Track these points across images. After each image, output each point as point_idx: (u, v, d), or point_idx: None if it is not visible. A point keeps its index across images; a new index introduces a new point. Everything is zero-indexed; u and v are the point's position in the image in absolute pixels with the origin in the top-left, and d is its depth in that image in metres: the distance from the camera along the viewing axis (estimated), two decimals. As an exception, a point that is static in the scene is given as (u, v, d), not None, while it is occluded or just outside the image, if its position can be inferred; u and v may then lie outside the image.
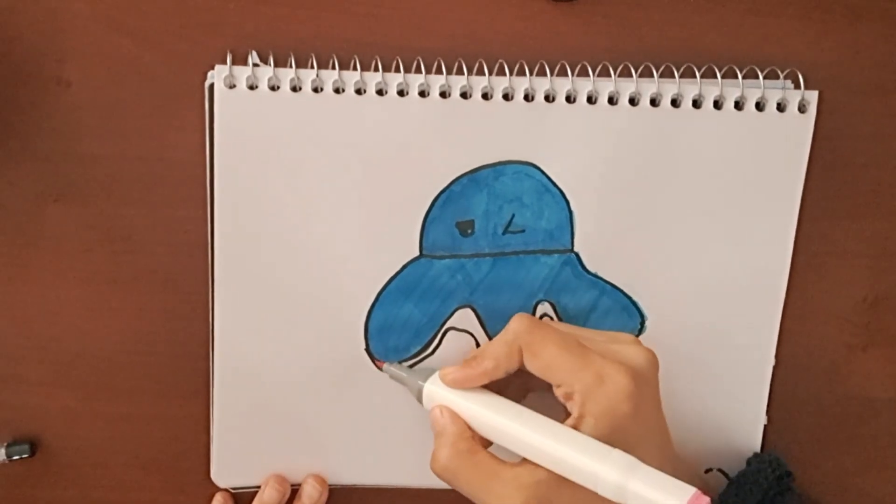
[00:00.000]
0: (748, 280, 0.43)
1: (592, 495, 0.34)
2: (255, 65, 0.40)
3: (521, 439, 0.36)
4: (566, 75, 0.40)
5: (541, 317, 0.43)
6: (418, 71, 0.40)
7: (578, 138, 0.41)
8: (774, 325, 0.44)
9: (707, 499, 0.32)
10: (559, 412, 0.38)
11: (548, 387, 0.38)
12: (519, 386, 0.40)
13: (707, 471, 0.45)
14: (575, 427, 0.35)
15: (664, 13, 0.42)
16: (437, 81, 0.40)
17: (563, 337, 0.37)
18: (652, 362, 0.38)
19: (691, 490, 0.32)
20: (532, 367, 0.37)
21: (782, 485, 0.42)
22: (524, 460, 0.36)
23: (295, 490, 0.45)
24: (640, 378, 0.36)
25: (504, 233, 0.42)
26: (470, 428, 0.38)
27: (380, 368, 0.43)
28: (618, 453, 0.33)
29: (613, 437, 0.35)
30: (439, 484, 0.45)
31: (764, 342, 0.44)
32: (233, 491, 0.45)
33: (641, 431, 0.36)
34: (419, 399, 0.40)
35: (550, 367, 0.37)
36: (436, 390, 0.39)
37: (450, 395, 0.38)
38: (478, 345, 0.43)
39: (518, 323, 0.38)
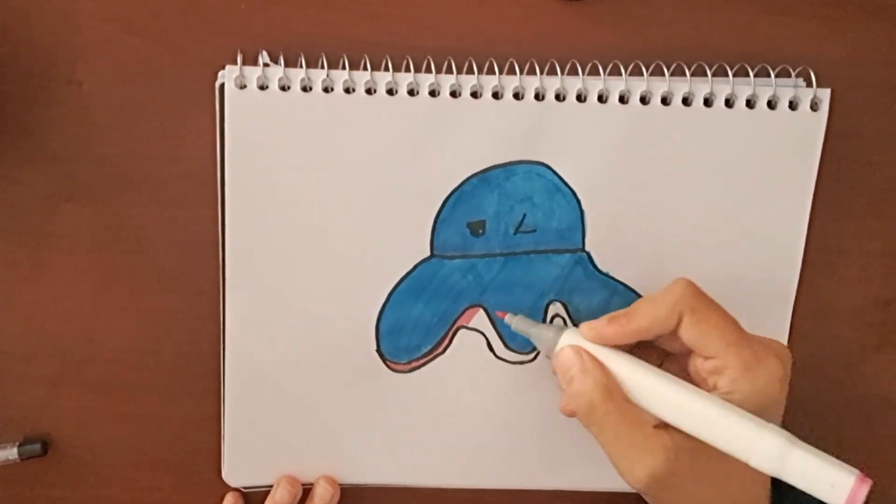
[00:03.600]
0: (760, 279, 0.43)
1: (727, 472, 0.33)
2: (266, 65, 0.40)
3: (669, 399, 0.34)
4: (577, 74, 0.40)
5: (553, 317, 0.43)
6: (428, 70, 0.40)
7: (589, 137, 0.41)
8: (786, 323, 0.44)
9: (869, 482, 0.31)
10: None
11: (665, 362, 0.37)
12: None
13: None
14: None
15: (675, 11, 0.42)
16: (447, 81, 0.40)
17: (725, 311, 0.36)
18: (790, 358, 0.37)
19: (854, 471, 0.31)
20: (689, 333, 0.35)
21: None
22: (665, 424, 0.35)
23: (307, 490, 0.45)
24: (786, 369, 0.36)
25: (515, 233, 0.42)
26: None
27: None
28: (774, 427, 0.33)
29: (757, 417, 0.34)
30: (450, 483, 0.45)
31: (775, 341, 0.44)
32: (244, 491, 0.45)
33: (775, 418, 0.35)
34: (548, 353, 0.38)
35: (711, 336, 0.35)
36: (572, 343, 0.37)
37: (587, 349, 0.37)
38: (488, 343, 0.43)
39: (685, 286, 0.36)
